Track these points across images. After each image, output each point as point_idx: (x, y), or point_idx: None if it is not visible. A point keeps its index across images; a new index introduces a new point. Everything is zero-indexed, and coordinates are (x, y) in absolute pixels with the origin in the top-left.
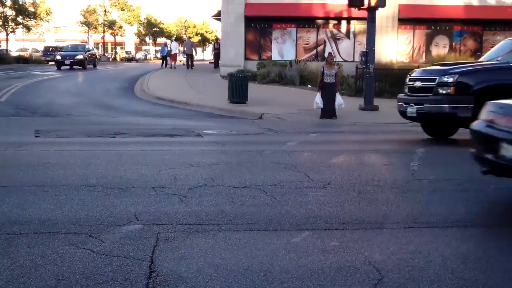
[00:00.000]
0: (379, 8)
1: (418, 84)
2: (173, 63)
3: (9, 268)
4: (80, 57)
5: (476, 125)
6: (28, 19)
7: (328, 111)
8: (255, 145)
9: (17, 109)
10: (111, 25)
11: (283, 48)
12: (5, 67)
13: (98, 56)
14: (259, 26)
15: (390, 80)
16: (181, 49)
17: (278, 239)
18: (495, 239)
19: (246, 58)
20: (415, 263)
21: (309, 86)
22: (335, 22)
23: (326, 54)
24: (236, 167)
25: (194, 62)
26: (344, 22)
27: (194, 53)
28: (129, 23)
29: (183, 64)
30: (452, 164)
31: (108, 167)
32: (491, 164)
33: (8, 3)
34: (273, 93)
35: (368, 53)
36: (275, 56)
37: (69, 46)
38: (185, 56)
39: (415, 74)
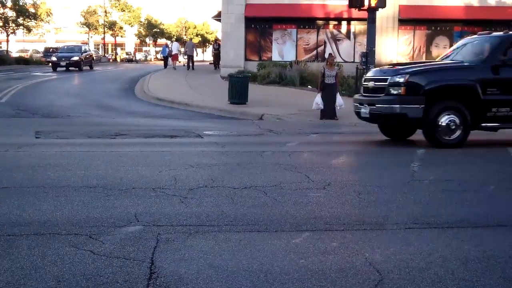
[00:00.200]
0: (380, 9)
1: (371, 84)
2: (174, 64)
3: (9, 269)
4: (76, 58)
5: None
6: (29, 20)
7: (329, 111)
8: (255, 146)
9: (17, 110)
10: (111, 26)
11: (283, 49)
12: (5, 68)
13: (95, 58)
14: (259, 27)
15: None
16: (182, 50)
17: (278, 240)
18: (496, 239)
19: (246, 59)
20: (416, 264)
21: (309, 86)
22: (336, 22)
23: (326, 55)
24: (236, 168)
25: (195, 63)
26: (344, 23)
27: (195, 54)
28: (129, 24)
29: (183, 65)
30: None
31: (108, 168)
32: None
33: (9, 4)
34: (274, 94)
35: (369, 54)
36: (275, 57)
37: (65, 47)
38: (186, 57)
39: (369, 74)
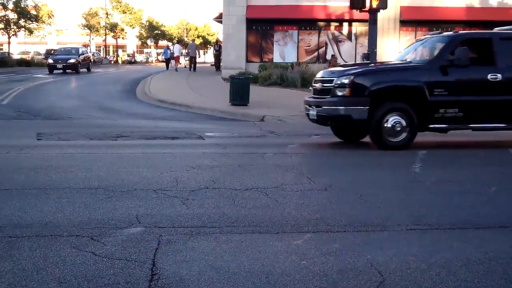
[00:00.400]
0: (381, 10)
1: (319, 85)
2: (176, 65)
3: (11, 271)
4: (73, 61)
5: None
6: (30, 22)
7: None
8: (256, 147)
9: (19, 112)
10: (112, 28)
11: (285, 50)
12: (7, 70)
13: (96, 59)
14: (260, 28)
15: None
16: (184, 51)
17: (280, 241)
18: (497, 241)
19: (247, 61)
20: (417, 265)
21: (310, 88)
22: (337, 24)
23: (327, 56)
24: (238, 170)
25: (196, 65)
26: (345, 24)
27: (197, 55)
28: (131, 26)
29: (185, 67)
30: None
31: (110, 170)
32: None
33: (10, 6)
34: (275, 96)
35: (370, 55)
36: (276, 58)
37: (62, 49)
38: (188, 59)
39: (318, 75)
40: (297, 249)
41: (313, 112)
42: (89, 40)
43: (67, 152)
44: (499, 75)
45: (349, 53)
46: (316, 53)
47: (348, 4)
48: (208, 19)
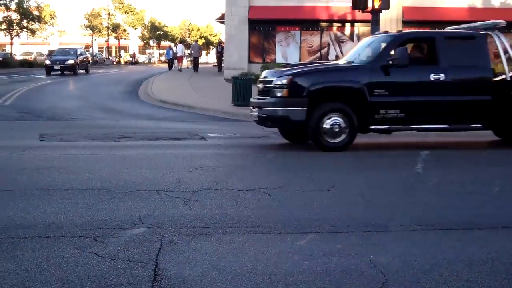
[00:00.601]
0: (383, 11)
1: (261, 86)
2: (179, 66)
3: (14, 272)
4: (71, 62)
5: None
6: (33, 23)
7: None
8: (259, 148)
9: (21, 113)
10: (115, 28)
11: (287, 51)
12: (9, 70)
13: (98, 60)
14: (263, 29)
15: None
16: (187, 51)
17: (282, 242)
18: (500, 241)
19: (250, 61)
20: (420, 265)
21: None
22: (339, 24)
23: (330, 57)
24: (240, 170)
25: (199, 65)
26: (348, 25)
27: (200, 56)
28: (133, 27)
29: (187, 67)
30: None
31: (112, 171)
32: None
33: (13, 6)
34: None
35: None
36: (279, 59)
37: (60, 50)
38: (191, 59)
39: (261, 76)
40: (300, 250)
41: (255, 113)
42: (92, 41)
43: (69, 153)
44: (442, 75)
45: None
46: (318, 54)
47: (350, 4)
48: (211, 20)
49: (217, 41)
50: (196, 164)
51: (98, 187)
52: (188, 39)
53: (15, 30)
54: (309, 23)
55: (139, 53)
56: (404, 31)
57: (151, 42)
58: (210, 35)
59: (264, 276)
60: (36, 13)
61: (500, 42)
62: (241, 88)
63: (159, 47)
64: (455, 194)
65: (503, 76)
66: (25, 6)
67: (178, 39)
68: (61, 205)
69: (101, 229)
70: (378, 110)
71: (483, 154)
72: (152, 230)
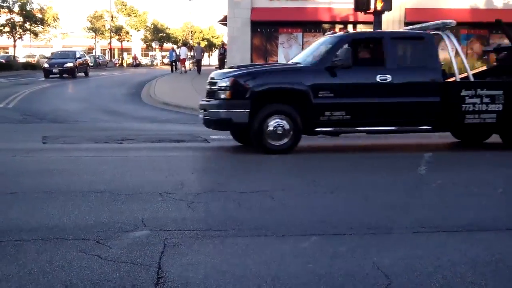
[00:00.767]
0: (385, 12)
1: (207, 88)
2: (182, 68)
3: (17, 274)
4: (69, 65)
5: None
6: (36, 25)
7: None
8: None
9: (24, 115)
10: (117, 30)
11: (289, 52)
12: (12, 73)
13: (101, 63)
14: (265, 30)
15: None
16: (190, 54)
17: (285, 244)
18: (504, 243)
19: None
20: (424, 268)
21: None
22: (341, 26)
23: None
24: (243, 173)
25: (201, 67)
26: (350, 27)
27: (203, 58)
28: (135, 29)
29: (190, 69)
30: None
31: (115, 173)
32: None
33: (16, 9)
34: None
35: None
36: (281, 60)
37: (59, 52)
38: (193, 61)
39: (209, 76)
40: (303, 252)
41: (201, 115)
42: (94, 43)
43: (72, 156)
44: (389, 76)
45: None
46: None
47: (352, 6)
48: (213, 22)
49: (220, 43)
50: (199, 166)
51: (101, 189)
52: (191, 41)
53: (18, 33)
54: (311, 24)
55: (142, 55)
56: (350, 32)
57: (153, 44)
58: (212, 37)
59: (267, 279)
60: (39, 15)
61: (450, 42)
62: None
63: (161, 49)
64: (458, 196)
65: (453, 78)
66: (28, 9)
67: (181, 41)
68: (64, 208)
69: (104, 232)
70: (323, 112)
71: (486, 155)
72: (155, 232)
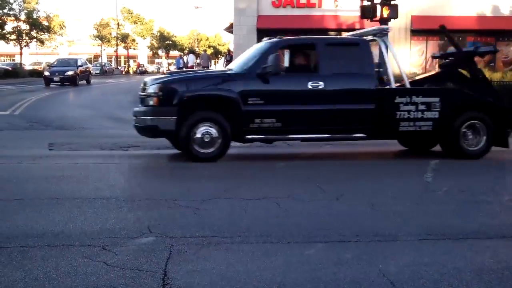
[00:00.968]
0: (392, 20)
1: (139, 94)
2: None
3: (23, 280)
4: (70, 73)
5: None
6: (42, 33)
7: None
8: (268, 157)
9: (30, 122)
10: (124, 38)
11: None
12: (18, 80)
13: (107, 70)
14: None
15: None
16: (197, 61)
17: (291, 251)
18: (511, 250)
19: None
20: (429, 275)
21: None
22: (348, 33)
23: None
24: (249, 179)
25: None
26: None
27: (209, 65)
28: (142, 37)
29: None
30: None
31: (121, 180)
32: None
33: (23, 17)
34: None
35: (381, 65)
36: None
37: (60, 60)
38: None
39: (142, 82)
40: (308, 259)
41: (133, 123)
42: (101, 51)
43: (78, 162)
44: (321, 83)
45: None
46: None
47: (358, 13)
48: (219, 29)
49: (226, 50)
50: (204, 173)
51: (107, 196)
52: (197, 49)
53: (24, 40)
54: (317, 32)
55: (148, 63)
56: (283, 38)
57: (159, 52)
58: (218, 44)
59: (273, 286)
60: (45, 23)
61: (386, 49)
62: None
63: (168, 57)
64: (465, 203)
65: (387, 85)
66: (34, 17)
67: (187, 49)
68: (70, 214)
69: (110, 238)
70: (253, 119)
71: (492, 163)
72: (160, 239)
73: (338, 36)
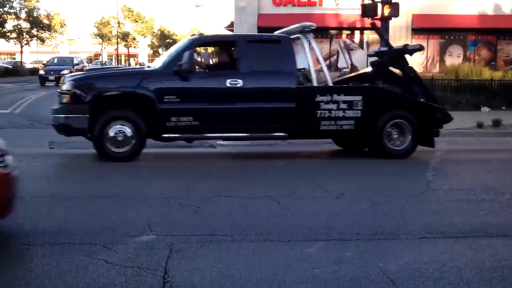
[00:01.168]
0: (393, 18)
1: (57, 91)
2: None
3: (24, 278)
4: (66, 72)
5: None
6: (43, 31)
7: None
8: (268, 155)
9: (31, 120)
10: (124, 37)
11: (296, 58)
12: (19, 79)
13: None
14: None
15: None
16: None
17: (291, 249)
18: (511, 249)
19: None
20: (430, 273)
21: None
22: (348, 32)
23: (339, 65)
24: (250, 178)
25: None
26: (357, 32)
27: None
28: (142, 35)
29: None
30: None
31: (122, 178)
32: None
33: (23, 15)
34: None
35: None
36: None
37: (55, 59)
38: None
39: (62, 80)
40: (309, 257)
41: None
42: (101, 49)
43: (79, 161)
44: (240, 81)
45: (361, 61)
46: (327, 62)
47: (359, 12)
48: (220, 28)
49: None
50: (205, 171)
51: (108, 194)
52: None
53: (25, 39)
54: (318, 31)
55: (149, 61)
56: (202, 35)
57: (160, 50)
58: None
59: (273, 284)
60: (46, 21)
61: (309, 46)
62: None
63: None
64: (465, 202)
65: (309, 83)
66: (35, 15)
67: None
68: (70, 212)
69: (111, 236)
70: (169, 118)
71: (493, 161)
72: (161, 237)
73: (262, 34)
